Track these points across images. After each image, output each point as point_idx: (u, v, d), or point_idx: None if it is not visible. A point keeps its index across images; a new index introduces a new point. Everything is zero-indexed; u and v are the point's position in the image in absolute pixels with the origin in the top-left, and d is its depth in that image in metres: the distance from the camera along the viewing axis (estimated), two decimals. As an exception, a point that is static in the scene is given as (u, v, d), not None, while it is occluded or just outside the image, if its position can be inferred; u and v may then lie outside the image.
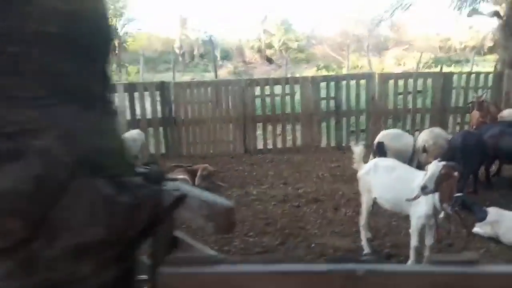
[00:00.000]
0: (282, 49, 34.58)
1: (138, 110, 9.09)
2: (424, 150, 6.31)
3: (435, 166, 3.73)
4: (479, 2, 11.41)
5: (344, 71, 24.07)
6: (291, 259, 2.80)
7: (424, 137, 6.36)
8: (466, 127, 9.40)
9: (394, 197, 4.19)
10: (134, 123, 8.80)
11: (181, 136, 9.21)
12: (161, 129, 9.19)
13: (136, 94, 9.03)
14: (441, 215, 3.95)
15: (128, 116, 8.99)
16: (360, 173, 4.70)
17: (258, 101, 9.60)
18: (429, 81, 9.47)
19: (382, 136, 6.53)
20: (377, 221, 5.27)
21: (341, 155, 8.98)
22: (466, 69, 19.53)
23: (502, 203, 6.14)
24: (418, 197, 3.79)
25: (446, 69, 18.84)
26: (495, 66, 12.22)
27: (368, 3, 26.79)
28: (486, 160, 6.63)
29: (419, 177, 3.97)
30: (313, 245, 4.94)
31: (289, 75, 19.51)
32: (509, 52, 11.10)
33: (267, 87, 9.50)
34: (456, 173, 3.72)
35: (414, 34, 37.11)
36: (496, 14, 11.31)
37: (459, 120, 9.77)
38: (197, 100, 9.25)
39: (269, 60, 34.03)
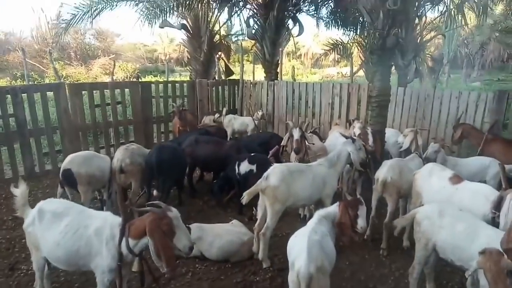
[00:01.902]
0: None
1: None
2: (122, 170, 5.52)
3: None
4: (168, 14, 11.78)
5: (47, 81, 21.08)
6: None
7: (120, 156, 5.55)
8: (171, 136, 9.42)
9: (66, 253, 3.11)
10: None
11: None
12: None
13: None
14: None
15: None
16: (24, 224, 3.36)
17: None
18: (127, 91, 8.88)
19: (69, 162, 5.25)
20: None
21: (32, 187, 7.20)
22: (172, 79, 20.68)
23: (205, 211, 6.18)
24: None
25: (151, 79, 19.30)
26: (190, 76, 13.10)
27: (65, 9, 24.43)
28: (188, 169, 6.55)
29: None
30: None
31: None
32: (199, 62, 12.06)
33: None
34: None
35: (121, 44, 37.21)
36: (184, 27, 12.02)
37: (163, 129, 9.70)
38: None
39: None
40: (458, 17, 11.30)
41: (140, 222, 3.01)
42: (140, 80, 16.98)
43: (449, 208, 3.60)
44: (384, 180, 4.78)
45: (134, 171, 5.57)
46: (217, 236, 4.58)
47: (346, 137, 5.09)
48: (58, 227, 3.13)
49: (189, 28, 12.11)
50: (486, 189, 4.05)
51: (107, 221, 3.15)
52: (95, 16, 10.36)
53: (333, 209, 3.58)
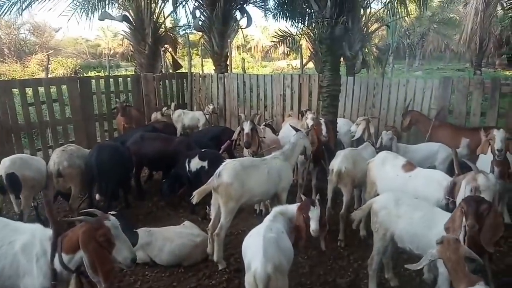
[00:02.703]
0: None
1: None
2: (60, 174, 5.02)
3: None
4: (107, 5, 11.06)
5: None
6: None
7: (56, 158, 5.05)
8: (117, 135, 8.84)
9: None
10: None
11: None
12: None
13: None
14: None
15: None
16: None
17: None
18: (64, 88, 8.19)
19: (9, 165, 4.65)
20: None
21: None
22: (115, 74, 19.67)
23: (154, 213, 5.81)
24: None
25: (93, 74, 18.26)
26: (134, 70, 12.45)
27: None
28: (134, 168, 6.13)
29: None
30: None
31: None
32: (144, 55, 11.46)
33: None
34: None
35: (60, 39, 35.03)
36: (125, 18, 11.35)
37: (106, 127, 9.09)
38: None
39: None
40: (400, 8, 11.63)
41: (73, 234, 2.62)
42: (78, 76, 15.92)
43: (405, 196, 3.54)
44: (338, 171, 4.68)
45: (73, 175, 5.10)
46: (167, 240, 4.25)
47: (296, 130, 4.96)
48: None
49: (131, 20, 11.45)
50: (439, 175, 4.07)
51: (35, 235, 2.72)
52: (24, 8, 9.51)
53: (292, 208, 3.39)
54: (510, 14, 13.37)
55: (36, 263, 2.64)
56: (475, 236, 2.71)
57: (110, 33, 39.59)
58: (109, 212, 4.33)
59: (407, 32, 23.64)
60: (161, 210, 5.83)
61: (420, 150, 5.69)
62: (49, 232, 2.72)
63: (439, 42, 28.46)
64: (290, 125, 5.60)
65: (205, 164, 5.28)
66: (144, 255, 4.27)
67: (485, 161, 4.44)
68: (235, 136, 5.64)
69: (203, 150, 5.57)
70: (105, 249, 2.52)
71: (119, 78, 9.51)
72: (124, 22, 11.33)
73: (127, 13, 11.49)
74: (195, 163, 5.36)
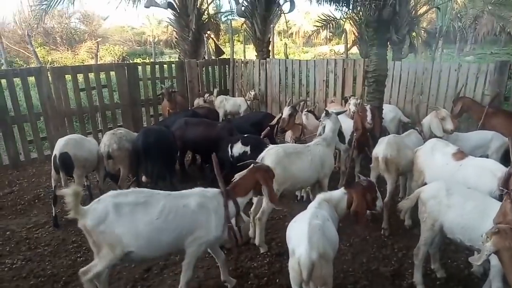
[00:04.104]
0: None
1: None
2: (110, 156, 5.26)
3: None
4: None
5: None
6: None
7: (107, 141, 5.27)
8: (161, 119, 9.10)
9: (168, 237, 3.10)
10: None
11: None
12: None
13: None
14: None
15: None
16: (90, 223, 2.88)
17: None
18: (113, 74, 8.50)
19: (63, 145, 4.87)
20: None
21: (17, 176, 6.92)
22: (160, 61, 20.16)
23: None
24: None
25: (139, 62, 18.75)
26: (178, 56, 12.68)
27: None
28: (179, 153, 6.30)
29: None
30: None
31: None
32: (187, 42, 11.63)
33: None
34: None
35: (108, 27, 36.32)
36: (170, 5, 11.54)
37: (152, 112, 9.38)
38: None
39: None
40: (452, -12, 10.93)
41: (243, 181, 3.43)
42: (126, 62, 16.46)
43: (456, 186, 3.39)
44: (383, 158, 4.56)
45: (122, 157, 5.31)
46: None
47: (327, 113, 4.86)
48: (149, 216, 2.97)
49: (175, 6, 11.63)
50: (493, 165, 3.84)
51: (205, 194, 3.27)
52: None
53: (338, 194, 3.36)
54: None
55: (214, 215, 3.19)
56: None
57: (154, 21, 40.42)
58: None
59: (458, 15, 22.31)
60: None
61: (472, 139, 5.39)
62: (214, 189, 3.36)
63: (494, 24, 26.60)
64: (325, 110, 5.50)
65: (247, 149, 5.32)
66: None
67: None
68: (274, 121, 5.63)
69: (245, 135, 5.61)
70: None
71: (164, 65, 9.73)
72: (168, 9, 11.53)
73: (171, 0, 11.68)
74: (238, 148, 5.42)
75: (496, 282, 2.87)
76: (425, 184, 4.05)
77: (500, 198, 3.53)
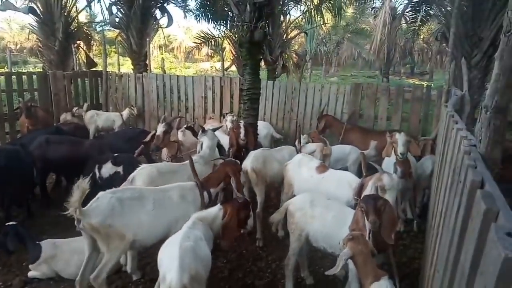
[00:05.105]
0: None
1: None
2: None
3: None
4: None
5: None
6: None
7: None
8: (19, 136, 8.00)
9: (165, 226, 3.52)
10: None
11: None
12: None
13: None
14: None
15: None
16: (96, 220, 3.19)
17: None
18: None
19: None
20: None
21: None
22: (18, 71, 17.88)
23: (62, 222, 5.34)
24: None
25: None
26: (42, 67, 11.44)
27: None
28: (39, 175, 5.58)
29: None
30: None
31: None
32: (53, 51, 10.58)
33: None
34: None
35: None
36: (32, 10, 10.38)
37: (7, 129, 8.20)
38: None
39: None
40: (317, 16, 12.20)
41: (216, 174, 4.09)
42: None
43: (319, 197, 3.68)
44: (251, 169, 4.76)
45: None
46: (75, 252, 3.92)
47: (203, 130, 4.96)
48: (146, 207, 3.36)
49: (38, 12, 10.50)
50: (349, 177, 4.30)
51: (184, 186, 3.76)
52: None
53: (214, 211, 3.36)
54: (412, 28, 14.78)
55: (193, 204, 3.66)
56: (376, 232, 2.89)
57: (16, 26, 36.10)
58: (8, 223, 3.93)
59: (323, 40, 24.93)
60: (70, 220, 5.36)
61: (334, 152, 5.98)
62: (190, 183, 3.85)
63: (353, 50, 30.53)
64: (201, 127, 5.54)
65: (120, 169, 4.98)
66: (48, 270, 3.92)
67: (390, 162, 4.81)
68: (148, 138, 5.43)
69: (116, 154, 5.24)
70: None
71: (23, 76, 8.63)
72: (30, 14, 10.35)
73: (33, 5, 10.52)
74: (108, 169, 5.02)
75: (354, 283, 3.16)
76: (294, 196, 4.32)
77: (355, 207, 3.95)
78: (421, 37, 26.45)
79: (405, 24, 20.37)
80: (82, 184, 3.09)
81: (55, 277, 3.95)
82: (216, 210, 3.37)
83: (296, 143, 5.46)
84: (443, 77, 23.36)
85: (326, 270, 4.20)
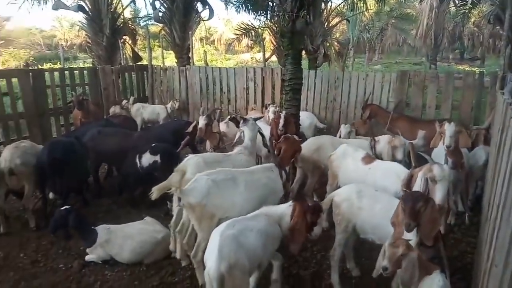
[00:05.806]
0: None
1: None
2: (12, 172, 4.74)
3: None
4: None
5: None
6: None
7: (8, 155, 4.75)
8: (73, 129, 8.46)
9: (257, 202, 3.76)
10: None
11: None
12: None
13: None
14: None
15: None
16: (193, 199, 3.43)
17: None
18: (15, 80, 7.72)
19: None
20: None
21: None
22: (70, 66, 18.84)
23: (114, 210, 5.63)
24: None
25: (48, 67, 17.36)
26: (92, 62, 11.97)
27: None
28: (92, 165, 5.90)
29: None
30: None
31: None
32: (101, 47, 11.03)
33: None
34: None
35: (12, 29, 33.07)
36: (81, 8, 10.86)
37: (62, 121, 8.69)
38: None
39: None
40: (360, 3, 11.86)
41: (286, 153, 4.32)
42: (30, 68, 15.11)
43: (366, 188, 3.62)
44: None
45: (27, 173, 4.82)
46: (128, 237, 4.13)
47: (244, 119, 4.93)
48: (239, 188, 3.59)
49: (87, 9, 10.98)
50: (397, 167, 4.18)
51: (268, 168, 4.05)
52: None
53: (282, 208, 3.33)
54: (462, 11, 13.99)
55: (278, 183, 3.98)
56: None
57: (66, 23, 37.84)
58: (63, 207, 4.16)
59: (366, 27, 24.17)
60: (122, 207, 5.65)
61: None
62: (270, 164, 4.15)
63: (397, 36, 29.40)
64: (242, 118, 5.55)
65: (157, 158, 5.16)
66: (104, 253, 4.14)
67: (440, 152, 4.62)
68: (190, 129, 5.56)
69: (153, 144, 5.41)
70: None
71: (75, 71, 9.08)
72: (79, 12, 10.84)
73: (82, 3, 11.00)
74: (147, 158, 5.23)
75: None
76: (339, 187, 4.27)
77: (403, 198, 3.84)
78: (472, 20, 24.95)
79: (453, 7, 19.33)
80: (181, 167, 3.56)
81: (110, 261, 4.16)
82: (285, 206, 3.35)
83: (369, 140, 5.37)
84: (496, 62, 21.98)
85: (373, 261, 4.19)
